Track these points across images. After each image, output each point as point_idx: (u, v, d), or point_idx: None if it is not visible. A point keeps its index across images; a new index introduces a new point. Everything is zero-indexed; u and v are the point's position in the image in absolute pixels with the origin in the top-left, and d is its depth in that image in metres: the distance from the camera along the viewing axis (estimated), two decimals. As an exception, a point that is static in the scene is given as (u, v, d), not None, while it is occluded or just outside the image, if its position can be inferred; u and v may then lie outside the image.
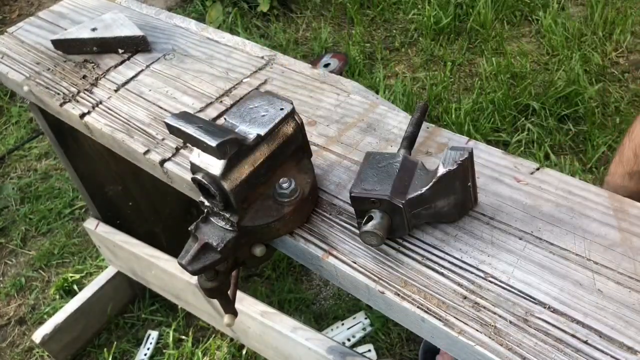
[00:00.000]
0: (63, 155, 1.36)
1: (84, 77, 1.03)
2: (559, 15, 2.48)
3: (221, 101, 0.93)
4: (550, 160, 1.96)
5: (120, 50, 1.06)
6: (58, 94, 1.01)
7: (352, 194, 0.65)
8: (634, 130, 1.03)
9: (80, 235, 2.03)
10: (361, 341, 1.63)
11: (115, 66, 1.04)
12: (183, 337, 1.71)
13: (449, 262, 0.65)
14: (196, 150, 0.65)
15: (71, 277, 1.90)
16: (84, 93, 1.00)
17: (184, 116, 0.63)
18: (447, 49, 2.47)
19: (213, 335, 1.70)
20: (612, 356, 0.55)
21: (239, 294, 1.27)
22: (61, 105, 0.99)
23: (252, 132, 0.66)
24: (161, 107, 0.94)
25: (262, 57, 1.00)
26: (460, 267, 0.64)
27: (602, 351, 0.55)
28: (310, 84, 0.93)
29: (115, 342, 1.73)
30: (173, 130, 0.62)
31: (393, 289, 0.64)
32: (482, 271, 0.63)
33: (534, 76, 2.25)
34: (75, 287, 1.87)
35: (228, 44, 1.05)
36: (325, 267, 0.69)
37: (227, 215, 0.67)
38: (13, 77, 1.07)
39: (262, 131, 0.66)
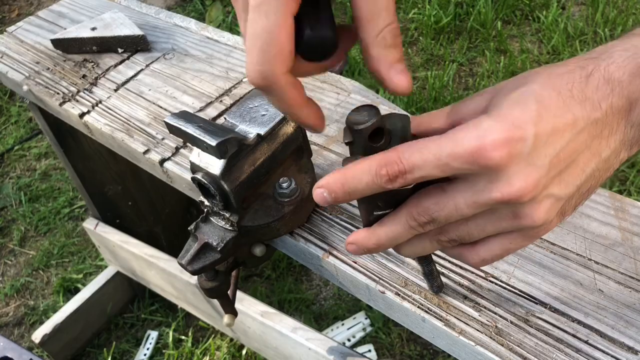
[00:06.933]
0: (62, 155, 1.35)
1: (84, 76, 1.03)
2: (560, 15, 2.48)
3: (221, 100, 0.93)
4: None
5: (120, 50, 1.06)
6: (57, 93, 1.00)
7: None
8: None
9: (80, 235, 2.03)
10: (361, 341, 1.63)
11: (115, 65, 1.04)
12: (183, 337, 1.71)
13: (450, 262, 0.65)
14: (196, 150, 0.65)
15: (70, 277, 1.90)
16: (84, 92, 1.00)
17: (184, 115, 0.62)
18: (448, 48, 2.47)
19: (213, 336, 1.70)
20: (613, 356, 0.55)
21: (239, 294, 1.27)
22: (61, 104, 0.98)
23: (252, 131, 0.66)
24: (161, 107, 0.94)
25: (262, 57, 0.99)
26: (461, 267, 0.64)
27: (603, 351, 0.55)
28: (310, 83, 0.93)
29: (114, 342, 1.73)
30: (173, 129, 0.62)
31: (393, 288, 0.64)
32: (483, 271, 0.63)
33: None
34: (74, 287, 1.87)
35: (228, 43, 1.04)
36: (325, 266, 0.69)
37: (227, 214, 0.67)
38: (12, 76, 1.07)
39: (262, 130, 0.66)
